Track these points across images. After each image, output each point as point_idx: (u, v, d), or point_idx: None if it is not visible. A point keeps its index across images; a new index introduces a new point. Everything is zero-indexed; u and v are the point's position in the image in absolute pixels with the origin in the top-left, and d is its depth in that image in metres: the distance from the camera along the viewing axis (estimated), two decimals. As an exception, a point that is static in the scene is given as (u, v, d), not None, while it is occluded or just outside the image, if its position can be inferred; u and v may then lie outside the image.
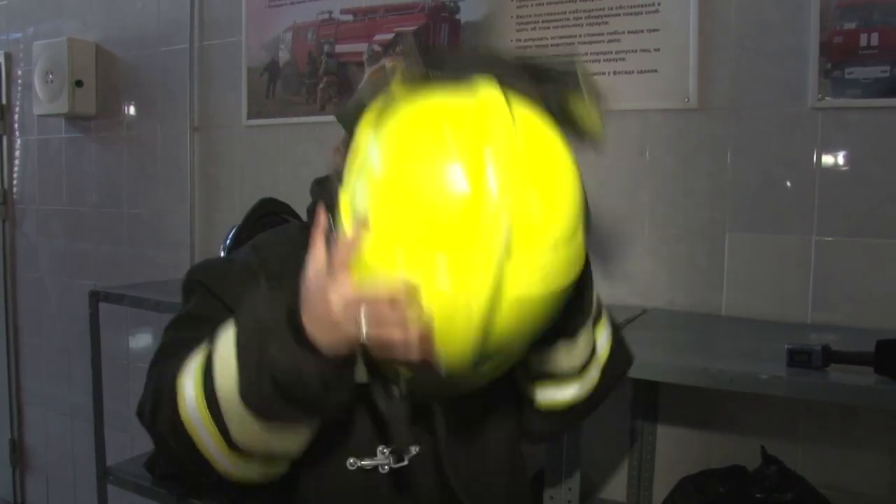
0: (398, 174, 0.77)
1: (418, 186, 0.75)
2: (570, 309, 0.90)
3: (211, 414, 0.83)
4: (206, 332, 0.87)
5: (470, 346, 0.76)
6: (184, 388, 0.84)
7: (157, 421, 0.87)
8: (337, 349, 0.78)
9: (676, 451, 2.00)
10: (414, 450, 0.99)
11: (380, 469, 0.98)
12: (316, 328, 0.78)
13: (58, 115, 3.11)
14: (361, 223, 0.77)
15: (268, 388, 0.79)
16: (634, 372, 1.44)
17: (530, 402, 1.07)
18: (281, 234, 1.12)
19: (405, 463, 0.98)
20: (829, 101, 1.78)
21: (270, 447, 0.85)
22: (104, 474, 2.43)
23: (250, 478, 0.88)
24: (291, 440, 0.86)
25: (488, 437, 1.08)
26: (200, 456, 0.85)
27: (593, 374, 1.06)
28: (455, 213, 0.73)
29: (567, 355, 1.00)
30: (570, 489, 1.56)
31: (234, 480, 0.88)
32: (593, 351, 1.05)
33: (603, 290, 1.39)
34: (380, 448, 0.98)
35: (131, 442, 2.98)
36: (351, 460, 0.98)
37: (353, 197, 0.80)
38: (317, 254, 0.81)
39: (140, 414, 0.92)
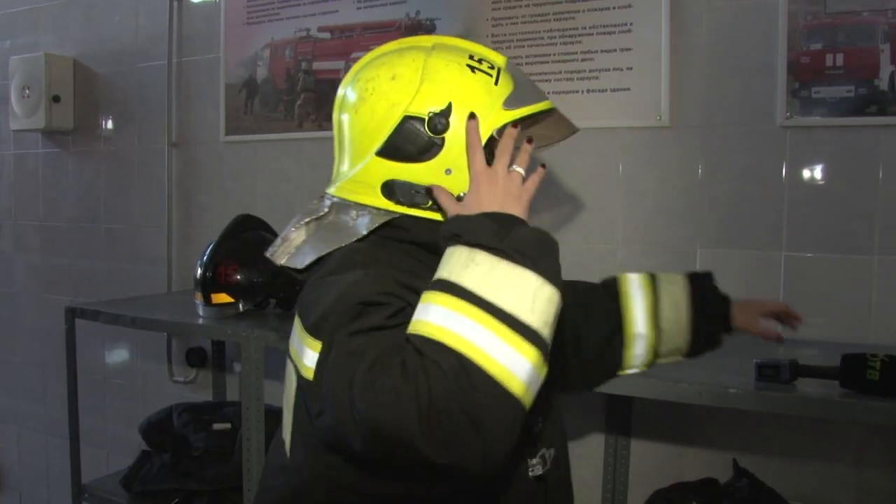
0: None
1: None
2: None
3: (479, 307, 0.83)
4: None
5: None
6: (435, 317, 0.84)
7: (388, 374, 0.80)
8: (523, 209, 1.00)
9: (650, 464, 2.02)
10: (550, 453, 1.11)
11: (530, 472, 1.07)
12: (507, 206, 0.99)
13: (34, 131, 3.10)
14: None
15: (514, 239, 0.89)
16: (607, 387, 1.47)
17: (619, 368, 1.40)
18: (352, 249, 1.04)
19: (549, 467, 1.10)
20: (797, 119, 1.82)
21: (519, 301, 0.84)
22: (79, 492, 2.41)
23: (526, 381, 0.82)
24: (525, 291, 0.85)
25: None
26: (478, 372, 0.79)
27: None
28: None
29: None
30: (544, 503, 1.57)
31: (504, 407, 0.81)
32: None
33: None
34: (539, 452, 1.09)
35: (107, 459, 2.96)
36: (531, 464, 1.08)
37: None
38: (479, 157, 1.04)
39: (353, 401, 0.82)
